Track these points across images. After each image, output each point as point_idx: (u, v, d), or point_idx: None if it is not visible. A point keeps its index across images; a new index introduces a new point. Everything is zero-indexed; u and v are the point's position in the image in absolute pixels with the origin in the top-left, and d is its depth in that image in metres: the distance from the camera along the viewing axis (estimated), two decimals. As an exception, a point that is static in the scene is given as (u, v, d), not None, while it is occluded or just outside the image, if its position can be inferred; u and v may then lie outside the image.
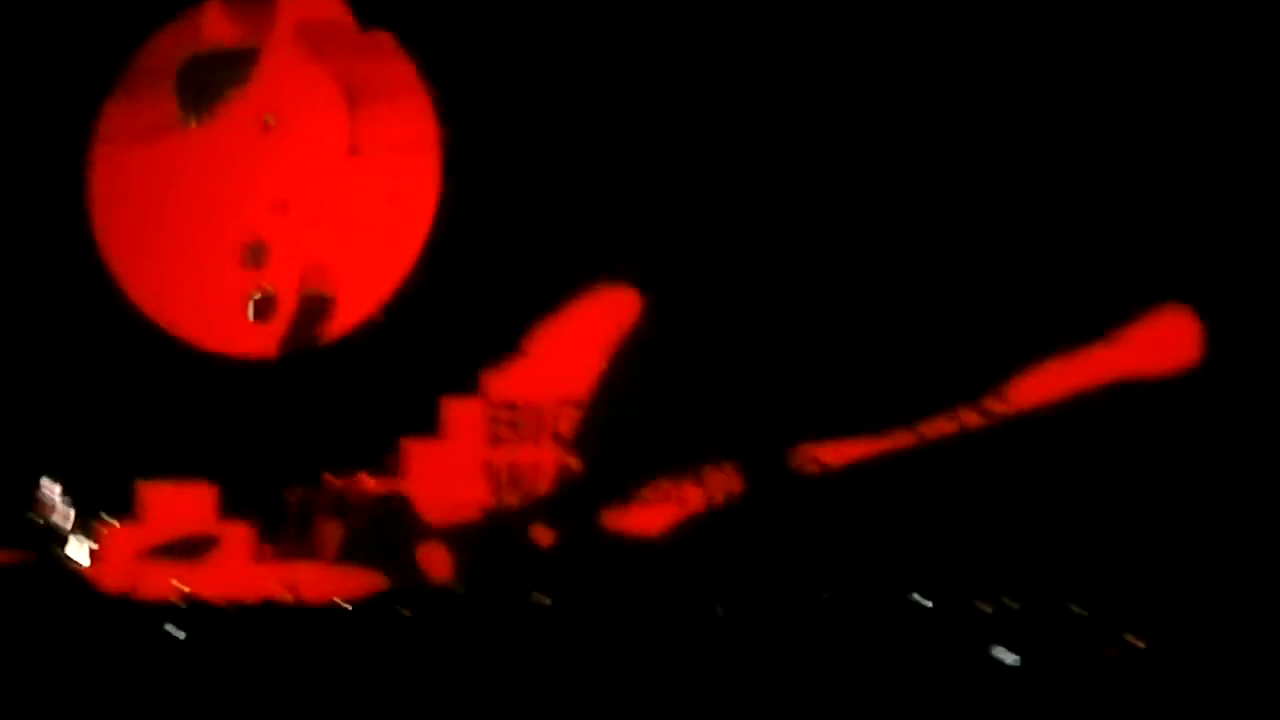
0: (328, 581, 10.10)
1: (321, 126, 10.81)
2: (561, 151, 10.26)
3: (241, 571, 10.26)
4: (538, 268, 10.38)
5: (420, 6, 10.48)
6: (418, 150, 10.45)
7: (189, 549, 10.46)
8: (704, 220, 10.37)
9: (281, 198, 10.86)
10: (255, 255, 10.84)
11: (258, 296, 10.99)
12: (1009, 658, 7.74)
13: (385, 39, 10.48)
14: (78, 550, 10.65)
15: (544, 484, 10.26)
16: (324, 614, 9.42)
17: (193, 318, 10.77)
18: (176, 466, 10.60)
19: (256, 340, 10.88)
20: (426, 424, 10.56)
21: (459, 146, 10.47)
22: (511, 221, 10.41)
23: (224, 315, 10.88)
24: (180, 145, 10.79)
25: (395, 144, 10.66)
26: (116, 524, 10.64)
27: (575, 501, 10.19)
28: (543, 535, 10.15)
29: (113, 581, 10.09)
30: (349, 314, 10.84)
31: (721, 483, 10.17)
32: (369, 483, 10.55)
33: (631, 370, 10.33)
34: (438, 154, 10.40)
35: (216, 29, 10.67)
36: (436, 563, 10.23)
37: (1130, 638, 8.16)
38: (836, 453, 10.12)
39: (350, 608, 9.59)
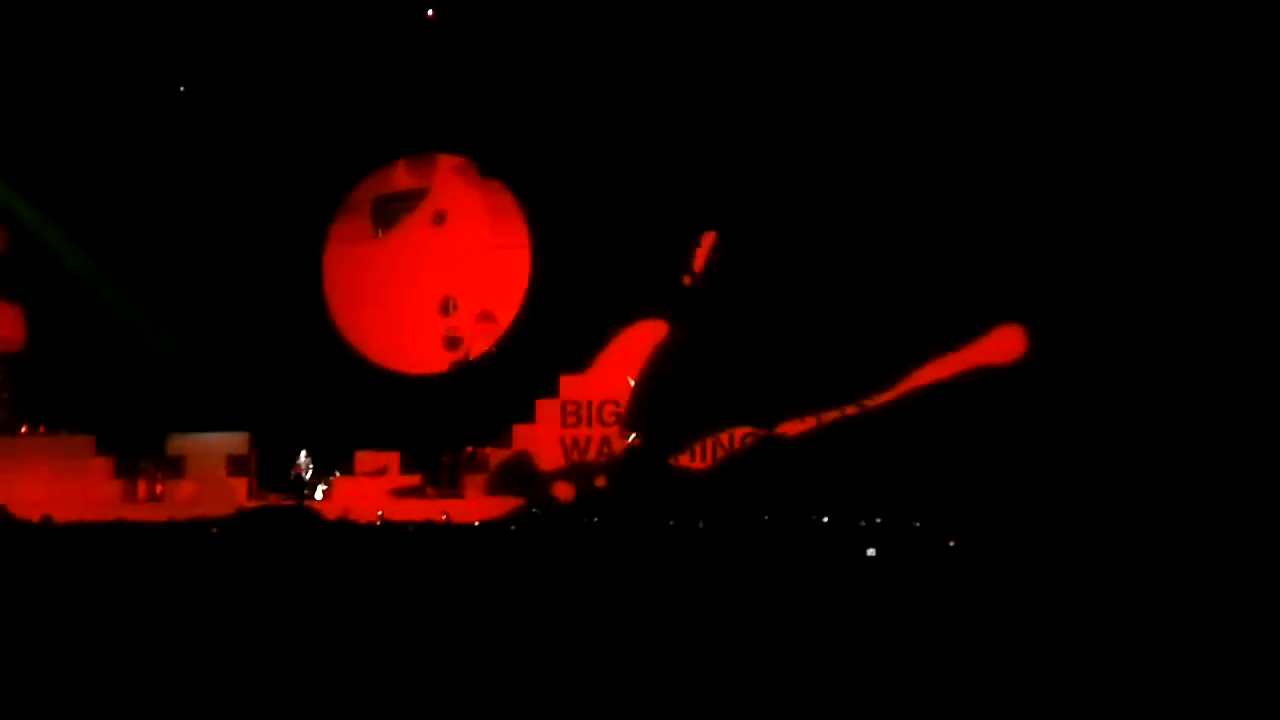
0: (469, 511, 13.86)
1: (474, 230, 15.32)
2: (598, 252, 14.32)
3: (415, 504, 14.11)
4: (590, 319, 14.56)
5: (513, 166, 14.96)
6: (518, 247, 15.14)
7: (386, 491, 14.41)
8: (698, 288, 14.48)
9: (453, 274, 15.17)
10: (447, 307, 15.25)
11: (451, 335, 15.22)
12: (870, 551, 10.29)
13: (496, 182, 15.20)
14: (318, 493, 14.76)
15: (593, 449, 14.53)
16: (467, 529, 12.92)
17: (389, 350, 15.23)
18: (379, 441, 14.68)
19: (432, 363, 15.27)
20: (527, 413, 14.77)
21: (538, 245, 15.02)
22: (572, 291, 14.61)
23: (414, 348, 15.20)
24: (375, 246, 15.42)
25: (510, 243, 15.24)
26: (340, 476, 14.79)
27: (613, 457, 14.46)
28: (596, 477, 14.34)
29: (335, 511, 13.76)
30: (480, 347, 15.23)
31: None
32: (493, 450, 14.72)
33: (648, 381, 14.51)
34: (529, 249, 15.08)
35: (400, 178, 15.48)
36: (534, 496, 14.17)
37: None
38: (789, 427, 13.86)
39: (479, 525, 13.13)
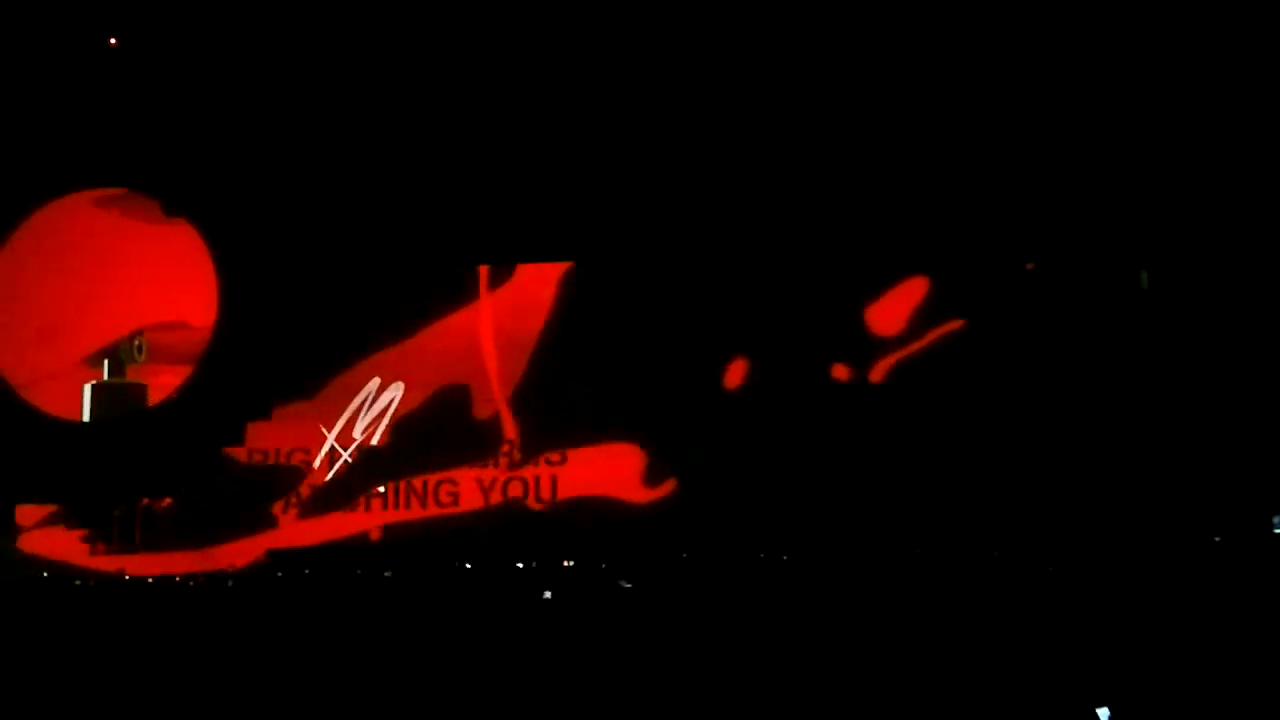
0: (144, 566, 13.52)
1: (156, 270, 14.49)
2: (290, 295, 14.00)
3: (86, 559, 13.70)
4: (281, 365, 14.22)
5: (200, 204, 14.51)
6: (204, 288, 14.37)
7: (54, 547, 13.81)
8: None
9: (131, 316, 14.45)
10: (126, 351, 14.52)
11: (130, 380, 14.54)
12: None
13: (183, 221, 14.50)
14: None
15: (283, 495, 14.07)
16: (143, 586, 12.78)
17: (57, 396, 14.33)
18: (44, 494, 14.02)
19: (104, 409, 14.48)
20: (214, 465, 14.19)
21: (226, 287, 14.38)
22: (262, 336, 14.17)
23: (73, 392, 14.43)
24: (46, 284, 14.41)
25: (194, 284, 14.39)
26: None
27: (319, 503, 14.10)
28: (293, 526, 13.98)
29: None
30: (161, 393, 14.48)
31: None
32: (171, 502, 14.11)
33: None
34: (216, 290, 14.35)
35: (74, 214, 14.48)
36: (215, 555, 13.80)
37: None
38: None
39: (151, 582, 12.88)
